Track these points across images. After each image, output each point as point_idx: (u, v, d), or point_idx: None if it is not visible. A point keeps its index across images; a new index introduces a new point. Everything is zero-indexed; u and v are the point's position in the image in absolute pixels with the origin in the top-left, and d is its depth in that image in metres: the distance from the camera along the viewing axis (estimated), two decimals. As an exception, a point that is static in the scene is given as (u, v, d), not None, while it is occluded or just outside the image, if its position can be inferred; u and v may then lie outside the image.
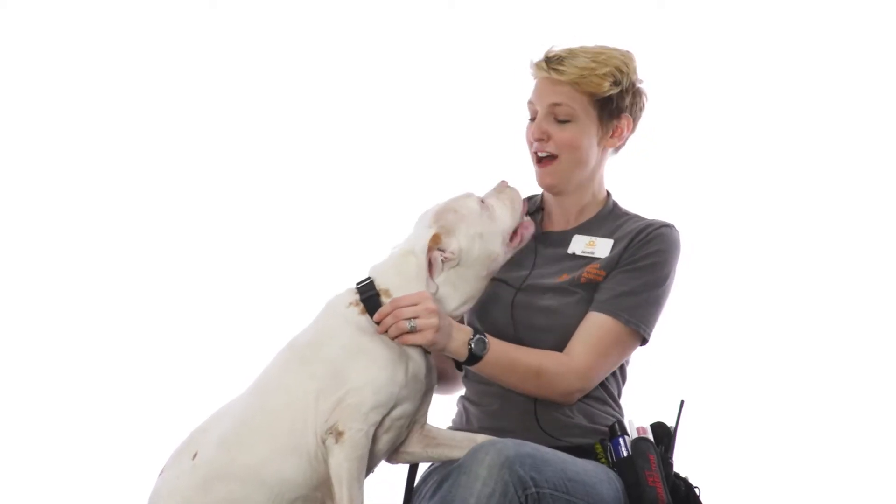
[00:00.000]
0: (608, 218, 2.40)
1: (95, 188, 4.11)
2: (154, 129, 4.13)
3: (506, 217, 2.22)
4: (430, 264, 2.13)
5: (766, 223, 4.02)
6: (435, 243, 2.14)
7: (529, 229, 2.26)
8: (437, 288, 2.15)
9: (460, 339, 2.13)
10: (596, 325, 2.26)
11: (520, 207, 2.24)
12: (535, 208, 2.46)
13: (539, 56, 2.34)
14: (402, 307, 2.07)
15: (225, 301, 4.04)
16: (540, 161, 2.35)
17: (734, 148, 4.03)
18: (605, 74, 2.28)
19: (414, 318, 2.06)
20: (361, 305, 2.13)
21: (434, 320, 2.07)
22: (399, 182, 3.95)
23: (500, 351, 2.18)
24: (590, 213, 2.40)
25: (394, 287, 2.14)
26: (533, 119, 2.36)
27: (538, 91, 2.34)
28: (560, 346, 2.27)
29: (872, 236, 4.00)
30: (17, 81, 4.09)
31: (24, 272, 4.07)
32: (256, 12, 4.15)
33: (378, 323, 2.09)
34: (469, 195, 2.23)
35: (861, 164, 4.02)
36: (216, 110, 4.13)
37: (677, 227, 2.36)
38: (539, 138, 2.32)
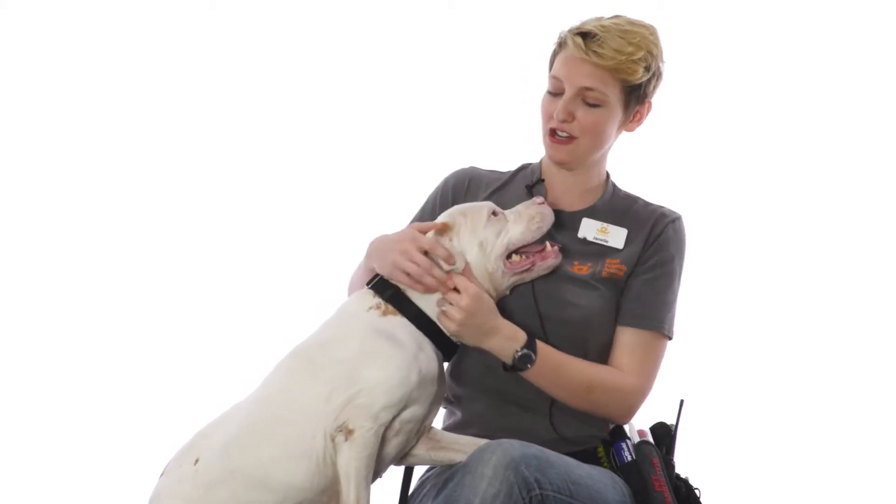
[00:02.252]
0: (612, 201, 2.35)
1: (96, 188, 4.11)
2: (154, 129, 4.13)
3: (515, 232, 2.19)
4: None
5: (764, 224, 4.02)
6: (442, 229, 2.18)
7: (548, 260, 2.21)
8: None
9: (506, 347, 2.15)
10: (644, 342, 2.25)
11: (538, 228, 2.20)
12: (535, 180, 2.37)
13: (573, 29, 2.24)
14: (444, 287, 2.12)
15: (227, 301, 4.04)
16: (555, 136, 2.26)
17: (732, 145, 4.04)
18: (639, 60, 2.21)
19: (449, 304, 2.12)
20: (384, 307, 2.15)
21: (458, 316, 2.10)
22: (400, 182, 3.94)
23: (547, 364, 2.18)
24: (594, 195, 2.35)
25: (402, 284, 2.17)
26: (553, 93, 2.26)
27: (570, 70, 2.22)
28: (582, 338, 2.25)
29: (871, 234, 4.00)
30: (17, 81, 4.09)
31: (26, 273, 4.07)
32: (256, 12, 4.15)
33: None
34: (484, 205, 2.22)
35: (858, 159, 4.03)
36: (216, 110, 4.13)
37: (683, 216, 2.35)
38: (564, 119, 2.23)
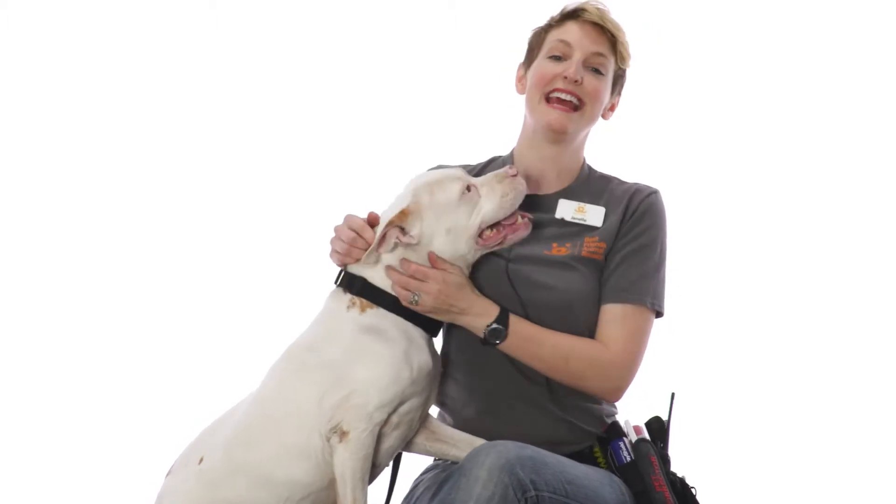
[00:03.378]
0: (588, 181, 2.35)
1: (95, 188, 4.12)
2: (153, 128, 4.14)
3: (488, 210, 2.15)
4: (384, 237, 2.12)
5: (759, 216, 4.04)
6: (399, 220, 2.13)
7: (519, 232, 2.19)
8: (377, 260, 2.13)
9: (478, 323, 2.16)
10: (625, 316, 2.23)
11: (511, 204, 2.16)
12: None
13: (573, 5, 2.30)
14: (412, 278, 2.12)
15: (229, 300, 4.05)
16: (555, 101, 2.26)
17: (729, 150, 4.05)
18: (629, 50, 2.31)
19: (416, 294, 2.12)
20: (359, 302, 2.13)
21: (429, 302, 2.11)
22: (398, 182, 3.95)
23: (523, 337, 2.18)
24: (569, 177, 2.35)
25: (370, 273, 2.15)
26: (557, 58, 2.28)
27: (584, 34, 2.27)
28: (566, 321, 2.23)
29: (866, 227, 4.01)
30: (17, 81, 4.10)
31: (26, 273, 4.08)
32: (256, 12, 4.16)
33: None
34: (457, 178, 2.17)
35: (845, 146, 4.04)
36: (216, 110, 4.14)
37: (660, 190, 2.34)
38: (576, 80, 2.24)
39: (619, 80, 2.34)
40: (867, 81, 4.03)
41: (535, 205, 2.30)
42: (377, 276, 2.14)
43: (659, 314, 2.29)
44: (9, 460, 3.84)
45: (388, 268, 2.13)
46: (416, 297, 2.12)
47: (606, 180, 2.36)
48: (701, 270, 3.86)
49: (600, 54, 2.27)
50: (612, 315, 2.24)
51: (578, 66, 2.26)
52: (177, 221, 4.11)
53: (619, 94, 2.37)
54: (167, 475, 2.15)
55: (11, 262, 4.07)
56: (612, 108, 2.37)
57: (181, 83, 4.14)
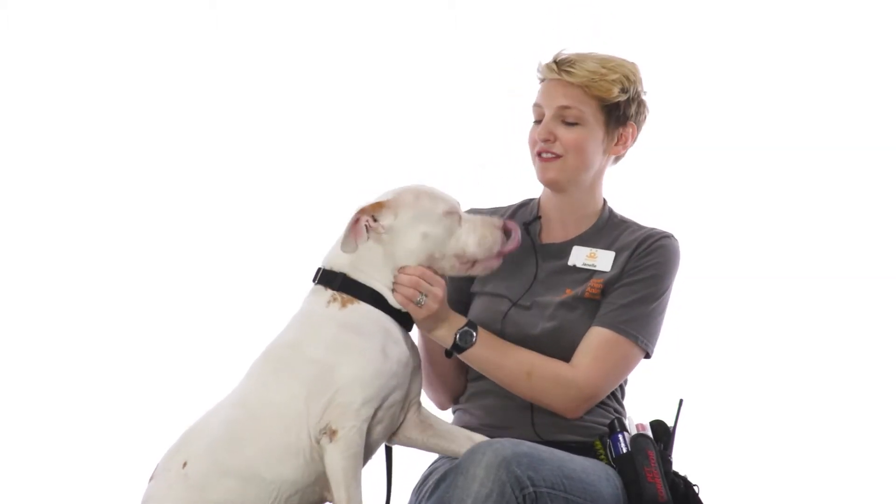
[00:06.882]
0: (606, 227, 2.39)
1: (95, 188, 4.11)
2: (153, 128, 4.13)
3: (469, 244, 2.17)
4: (356, 223, 2.12)
5: (763, 222, 4.03)
6: (372, 209, 2.13)
7: (491, 261, 2.20)
8: (355, 248, 2.12)
9: (451, 326, 2.19)
10: (600, 339, 2.26)
11: (489, 248, 2.18)
12: (532, 218, 2.42)
13: (548, 58, 2.33)
14: (422, 280, 2.12)
15: (220, 300, 4.04)
16: (541, 156, 2.33)
17: (729, 150, 4.04)
18: (614, 80, 2.29)
19: (425, 295, 2.12)
20: (340, 298, 2.13)
21: (435, 306, 2.14)
22: (397, 183, 3.94)
23: (489, 346, 2.22)
24: (588, 223, 2.39)
25: (348, 268, 2.14)
26: (538, 121, 2.35)
27: (547, 93, 2.33)
28: (556, 355, 2.27)
29: (869, 238, 4.01)
30: (17, 81, 4.10)
31: (22, 272, 4.07)
32: (256, 12, 4.16)
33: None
34: (447, 200, 2.19)
35: (854, 169, 4.04)
36: (215, 110, 4.14)
37: (676, 236, 2.36)
38: (546, 139, 2.30)
39: (613, 112, 2.33)
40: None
41: (553, 253, 2.37)
42: (362, 274, 2.14)
43: (647, 354, 2.31)
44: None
45: (401, 269, 2.14)
46: (422, 299, 2.13)
47: (624, 226, 2.40)
48: (709, 274, 3.86)
49: (566, 107, 2.30)
50: (590, 338, 2.27)
51: (546, 125, 2.31)
52: (173, 221, 4.10)
53: (623, 123, 2.35)
54: (150, 479, 2.13)
55: (11, 262, 4.07)
56: (620, 142, 2.36)
57: (181, 83, 4.13)
